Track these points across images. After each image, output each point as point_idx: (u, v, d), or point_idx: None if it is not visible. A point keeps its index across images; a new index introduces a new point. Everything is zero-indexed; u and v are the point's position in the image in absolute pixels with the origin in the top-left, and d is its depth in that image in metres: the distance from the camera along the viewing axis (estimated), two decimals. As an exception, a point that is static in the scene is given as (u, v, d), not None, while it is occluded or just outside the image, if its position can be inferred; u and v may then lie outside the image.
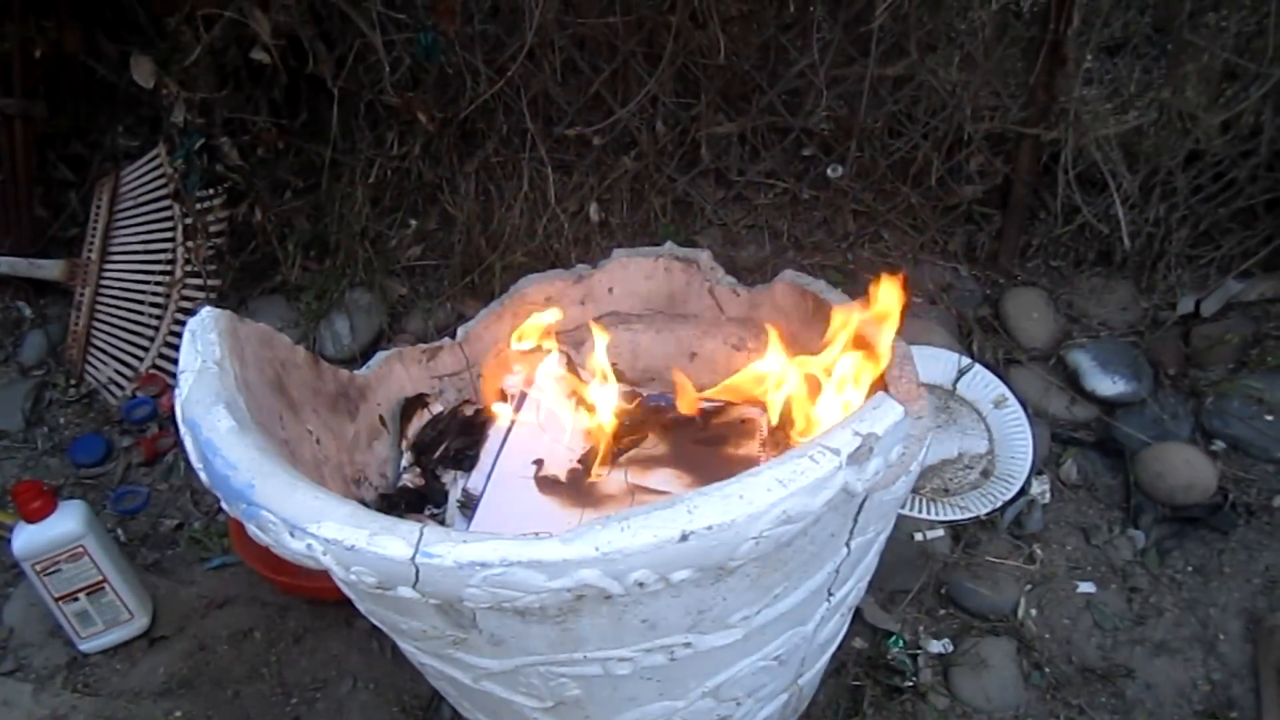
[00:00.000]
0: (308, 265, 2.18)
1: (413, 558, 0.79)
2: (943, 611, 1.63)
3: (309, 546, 0.83)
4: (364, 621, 1.59)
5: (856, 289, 1.99)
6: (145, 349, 2.09)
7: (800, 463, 0.81)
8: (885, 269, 2.02)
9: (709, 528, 0.78)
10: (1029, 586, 1.65)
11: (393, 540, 0.80)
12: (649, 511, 0.78)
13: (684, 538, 0.78)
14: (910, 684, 1.51)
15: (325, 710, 1.52)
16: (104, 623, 1.59)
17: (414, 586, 0.81)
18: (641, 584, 0.80)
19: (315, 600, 1.65)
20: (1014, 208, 2.02)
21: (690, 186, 2.11)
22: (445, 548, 0.78)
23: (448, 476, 1.38)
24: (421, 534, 0.80)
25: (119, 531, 1.82)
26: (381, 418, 1.38)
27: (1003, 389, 1.85)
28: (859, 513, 0.97)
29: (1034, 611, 1.62)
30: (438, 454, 1.40)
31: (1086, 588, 1.65)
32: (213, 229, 2.08)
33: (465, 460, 1.38)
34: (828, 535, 0.96)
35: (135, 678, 1.57)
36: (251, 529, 0.88)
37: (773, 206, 2.13)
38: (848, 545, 1.01)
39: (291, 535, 0.84)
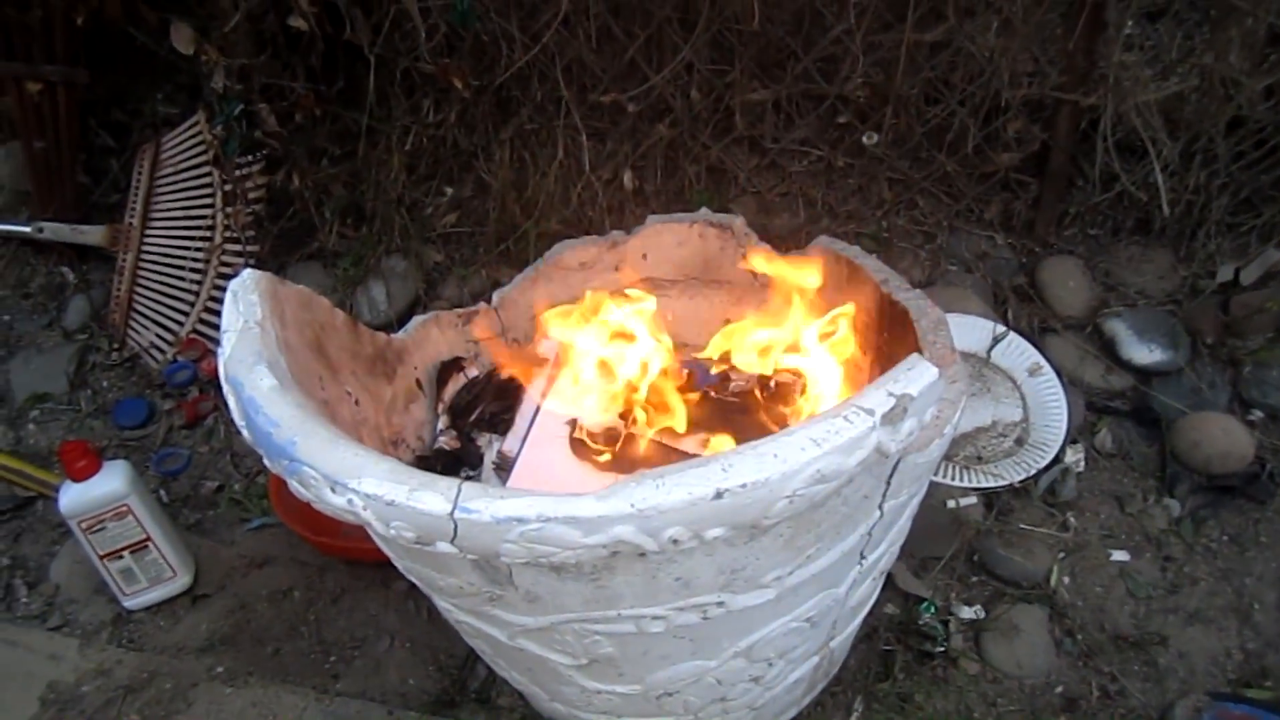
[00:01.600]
0: (344, 232, 2.19)
1: (451, 513, 0.80)
2: (975, 578, 1.63)
3: (350, 501, 0.84)
4: (401, 582, 1.64)
5: (892, 257, 2.02)
6: (186, 314, 2.12)
7: (835, 422, 0.82)
8: (922, 236, 2.04)
9: (743, 485, 0.78)
10: (1062, 554, 1.65)
11: (432, 495, 0.81)
12: (684, 469, 0.79)
13: (718, 495, 0.78)
14: (941, 649, 1.52)
15: (363, 668, 1.54)
16: (147, 580, 1.62)
17: (452, 541, 0.82)
18: (675, 541, 0.81)
19: (353, 561, 1.68)
20: (1051, 175, 2.00)
21: (724, 154, 2.10)
22: (483, 503, 0.80)
23: (483, 439, 1.40)
24: (460, 489, 0.81)
25: (161, 493, 1.86)
26: (418, 381, 1.40)
27: (1038, 357, 1.84)
28: (892, 475, 0.97)
29: (1067, 579, 1.62)
30: (473, 417, 1.41)
31: (1120, 556, 1.65)
32: (251, 195, 2.10)
33: (500, 424, 1.39)
34: (861, 497, 0.96)
35: (178, 634, 1.61)
36: (293, 484, 0.90)
37: (807, 174, 2.11)
38: (880, 508, 1.02)
39: (333, 490, 0.85)
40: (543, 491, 0.80)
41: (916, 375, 0.86)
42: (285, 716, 1.42)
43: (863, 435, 0.82)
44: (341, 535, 1.59)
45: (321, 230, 2.17)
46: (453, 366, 1.45)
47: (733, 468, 0.79)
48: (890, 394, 0.84)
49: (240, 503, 1.83)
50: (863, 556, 1.09)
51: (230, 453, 1.93)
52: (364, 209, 2.18)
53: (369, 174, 2.15)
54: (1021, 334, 1.88)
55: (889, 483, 0.98)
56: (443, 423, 1.41)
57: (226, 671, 1.52)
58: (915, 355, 0.88)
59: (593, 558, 0.82)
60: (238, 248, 2.12)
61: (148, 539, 1.59)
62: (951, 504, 1.67)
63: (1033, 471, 1.69)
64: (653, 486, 0.78)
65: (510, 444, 1.32)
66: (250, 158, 2.10)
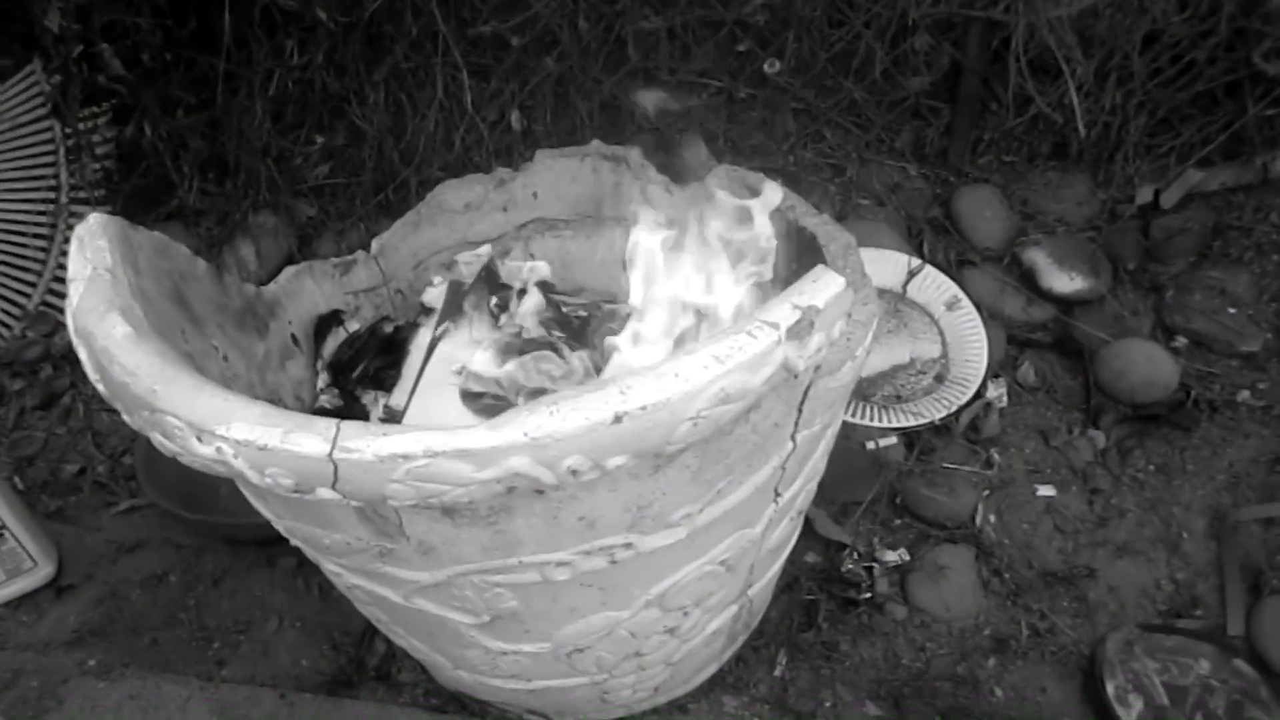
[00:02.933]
0: (206, 187, 2.16)
1: (330, 453, 0.79)
2: (898, 521, 1.67)
3: (219, 450, 0.83)
4: (288, 559, 1.64)
5: (800, 192, 2.03)
6: (33, 284, 2.06)
7: (737, 338, 0.83)
8: (830, 169, 2.07)
9: (643, 408, 0.79)
10: (987, 492, 1.70)
11: (308, 437, 0.80)
12: (580, 394, 0.80)
13: (617, 419, 0.79)
14: (866, 596, 1.56)
15: (250, 652, 1.53)
16: (5, 573, 1.58)
17: (333, 486, 0.82)
18: (575, 471, 0.81)
19: (233, 540, 1.66)
20: (964, 100, 2.03)
21: (618, 88, 2.10)
22: (364, 441, 0.79)
23: (368, 397, 1.38)
24: (339, 428, 0.80)
25: (16, 479, 1.81)
26: (294, 336, 1.37)
27: (955, 291, 1.88)
28: (803, 401, 0.99)
29: (992, 518, 1.67)
30: (356, 373, 1.39)
31: (1046, 491, 1.70)
32: (99, 150, 2.05)
33: (386, 379, 1.38)
34: (771, 425, 0.98)
35: (43, 628, 1.58)
36: (156, 438, 0.88)
37: (707, 107, 2.13)
38: (793, 438, 1.03)
39: (199, 440, 0.84)
40: (429, 425, 0.80)
41: (822, 286, 0.88)
42: (168, 708, 1.40)
43: (768, 350, 0.83)
44: (219, 511, 1.58)
45: (180, 186, 2.12)
46: (331, 320, 1.42)
47: (631, 390, 0.79)
48: (795, 306, 0.85)
49: (105, 485, 1.80)
50: (777, 493, 1.11)
51: (91, 432, 1.88)
52: (227, 161, 2.15)
53: (230, 123, 2.11)
54: (938, 267, 1.92)
55: (800, 410, 1.00)
56: (323, 380, 1.39)
57: (99, 665, 1.50)
58: (820, 266, 0.89)
59: (487, 495, 0.82)
60: (86, 208, 2.05)
61: (2, 528, 1.55)
62: (871, 445, 1.70)
63: (954, 408, 1.73)
64: (547, 413, 0.79)
65: (397, 398, 1.31)
66: (95, 108, 2.03)
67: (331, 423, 0.81)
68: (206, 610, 1.60)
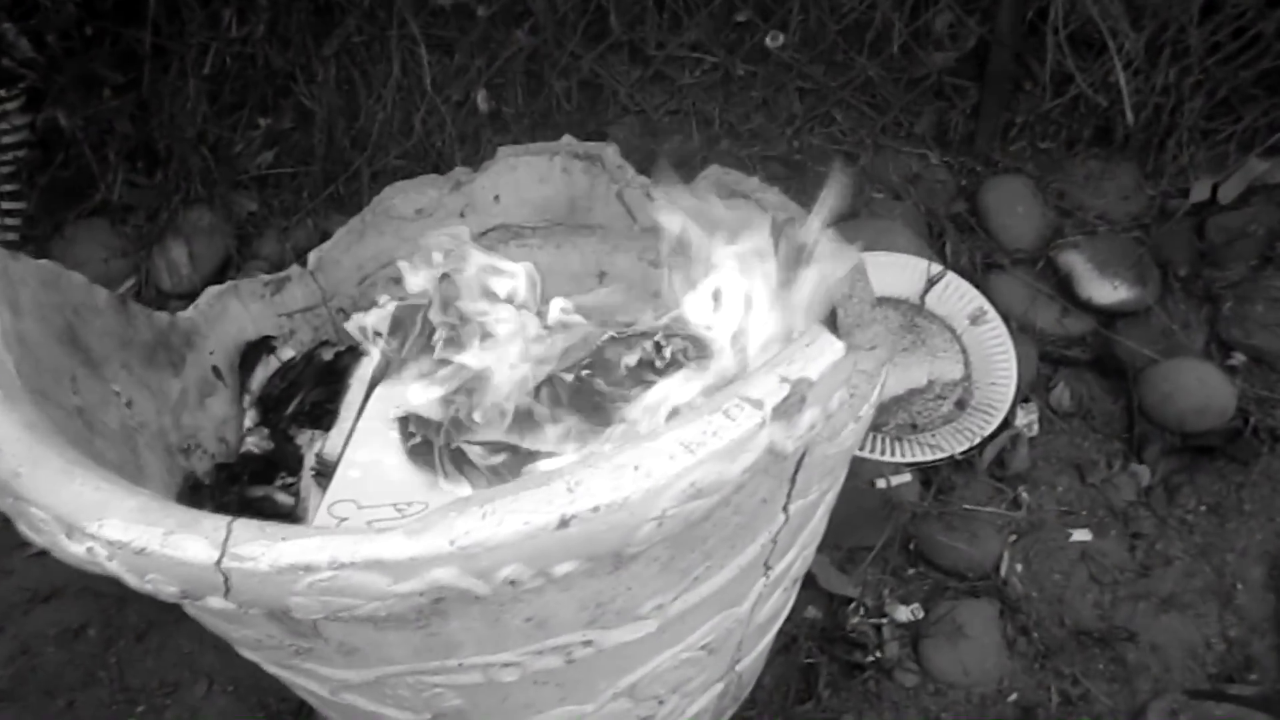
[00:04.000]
0: (134, 179, 2.11)
1: (219, 561, 0.73)
2: (911, 571, 1.63)
3: (90, 551, 0.77)
4: (217, 615, 1.59)
5: (804, 184, 1.98)
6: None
7: (711, 420, 0.76)
8: (841, 157, 2.02)
9: (595, 509, 0.73)
10: (1014, 537, 1.65)
11: (193, 540, 0.74)
12: (517, 491, 0.73)
13: (564, 523, 0.73)
14: (873, 659, 1.52)
15: (176, 718, 1.51)
16: (-105, 628, 1.54)
17: (225, 596, 0.76)
18: (514, 582, 0.75)
19: (157, 591, 1.61)
20: (993, 78, 1.98)
21: (599, 65, 2.06)
22: (258, 548, 0.73)
23: (303, 437, 1.33)
24: (229, 531, 0.74)
25: (-90, 519, 1.76)
26: (216, 369, 1.32)
27: (981, 301, 1.83)
28: (797, 472, 0.93)
29: (1019, 567, 1.63)
30: (290, 409, 1.34)
31: (1081, 536, 1.66)
32: (8, 139, 2.00)
33: (324, 416, 1.33)
34: (757, 502, 0.92)
35: (-58, 692, 1.55)
36: (22, 529, 0.83)
37: (700, 87, 2.09)
38: (785, 510, 0.97)
39: (69, 537, 0.78)
40: (336, 529, 0.73)
41: (816, 352, 0.81)
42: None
43: (748, 435, 0.77)
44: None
45: (104, 179, 2.07)
46: (260, 348, 1.37)
47: (580, 486, 0.73)
48: (784, 379, 0.79)
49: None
50: (768, 567, 1.05)
51: (-2, 461, 1.83)
52: (156, 150, 2.10)
53: (160, 106, 2.06)
54: (962, 273, 1.87)
55: (793, 482, 0.94)
56: (250, 418, 1.34)
57: (7, 734, 1.47)
58: (816, 326, 0.83)
59: (410, 607, 0.76)
60: (-4, 205, 2.00)
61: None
62: (881, 483, 1.66)
63: (977, 440, 1.68)
64: (477, 516, 0.72)
65: (333, 444, 1.26)
66: (3, 93, 1.98)
67: (221, 522, 0.75)
68: (129, 669, 1.57)
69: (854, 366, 0.86)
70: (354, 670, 0.94)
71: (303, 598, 0.74)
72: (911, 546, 1.63)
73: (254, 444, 1.32)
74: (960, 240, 1.95)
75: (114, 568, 0.78)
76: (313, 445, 1.31)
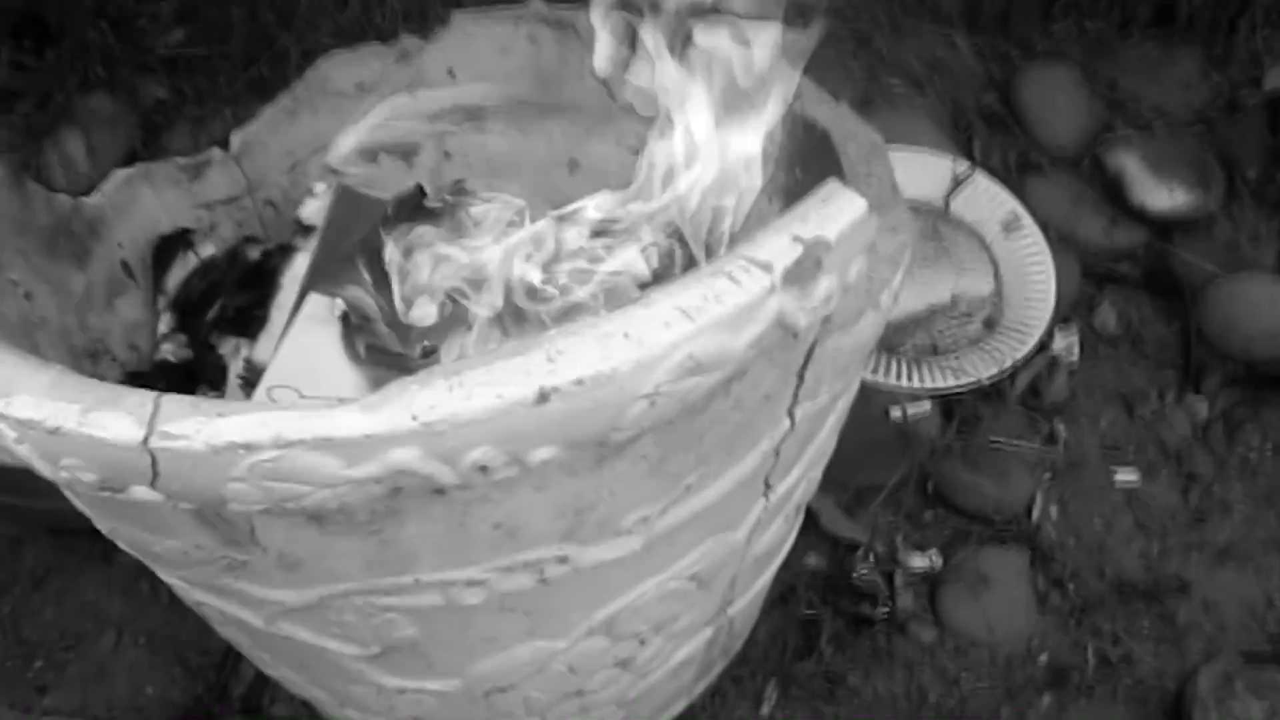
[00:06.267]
0: (21, 59, 2.10)
1: (145, 440, 0.75)
2: (929, 514, 1.66)
3: (-4, 433, 0.79)
4: (128, 556, 1.57)
5: (812, 69, 1.99)
6: None
7: (713, 283, 0.78)
8: (852, 39, 2.02)
9: (579, 381, 0.75)
10: (1048, 477, 1.68)
11: (115, 417, 0.76)
12: (491, 360, 0.75)
13: (543, 397, 0.74)
14: (884, 611, 1.55)
15: (80, 674, 1.53)
16: None
17: (152, 484, 0.77)
18: (484, 468, 0.77)
19: (60, 530, 1.64)
20: (1032, -54, 1.99)
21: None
22: (193, 424, 0.75)
23: (227, 345, 1.35)
24: (157, 406, 0.76)
25: None
26: (125, 264, 1.34)
27: (1015, 206, 1.85)
28: (806, 365, 0.95)
29: (1054, 511, 1.66)
30: (211, 314, 1.36)
31: (1127, 477, 1.69)
32: (-127, 7, 1.99)
33: (251, 322, 1.34)
34: (760, 398, 0.94)
35: None
36: (-86, 414, 0.84)
37: (684, -46, 2.08)
38: (790, 415, 1.00)
39: (-31, 419, 0.80)
40: (280, 404, 0.75)
41: (835, 211, 0.83)
42: (-29, 748, 1.40)
43: (756, 301, 0.79)
44: (41, 493, 1.53)
45: (-14, 58, 2.07)
46: (177, 243, 1.39)
47: (563, 355, 0.75)
48: (796, 238, 0.80)
49: (-106, 459, 1.76)
50: (768, 486, 1.07)
51: None
52: (48, 24, 2.09)
53: (52, -30, 2.05)
54: (993, 173, 1.89)
55: (801, 377, 0.96)
56: (166, 323, 1.35)
57: (-116, 694, 1.49)
58: (833, 182, 0.85)
59: (364, 498, 0.78)
60: None
61: None
62: (896, 413, 1.68)
63: (1008, 365, 1.70)
64: (444, 389, 0.74)
65: (263, 348, 1.27)
66: None
67: (148, 397, 0.77)
68: (25, 620, 1.59)
69: (875, 228, 0.88)
70: (294, 590, 0.95)
71: (242, 484, 0.76)
72: (929, 486, 1.66)
73: (170, 352, 1.34)
74: (991, 137, 1.97)
75: (23, 452, 0.79)
76: (237, 354, 1.33)
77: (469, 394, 0.74)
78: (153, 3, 2.10)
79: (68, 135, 2.03)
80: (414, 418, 0.74)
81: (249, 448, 0.75)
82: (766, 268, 0.79)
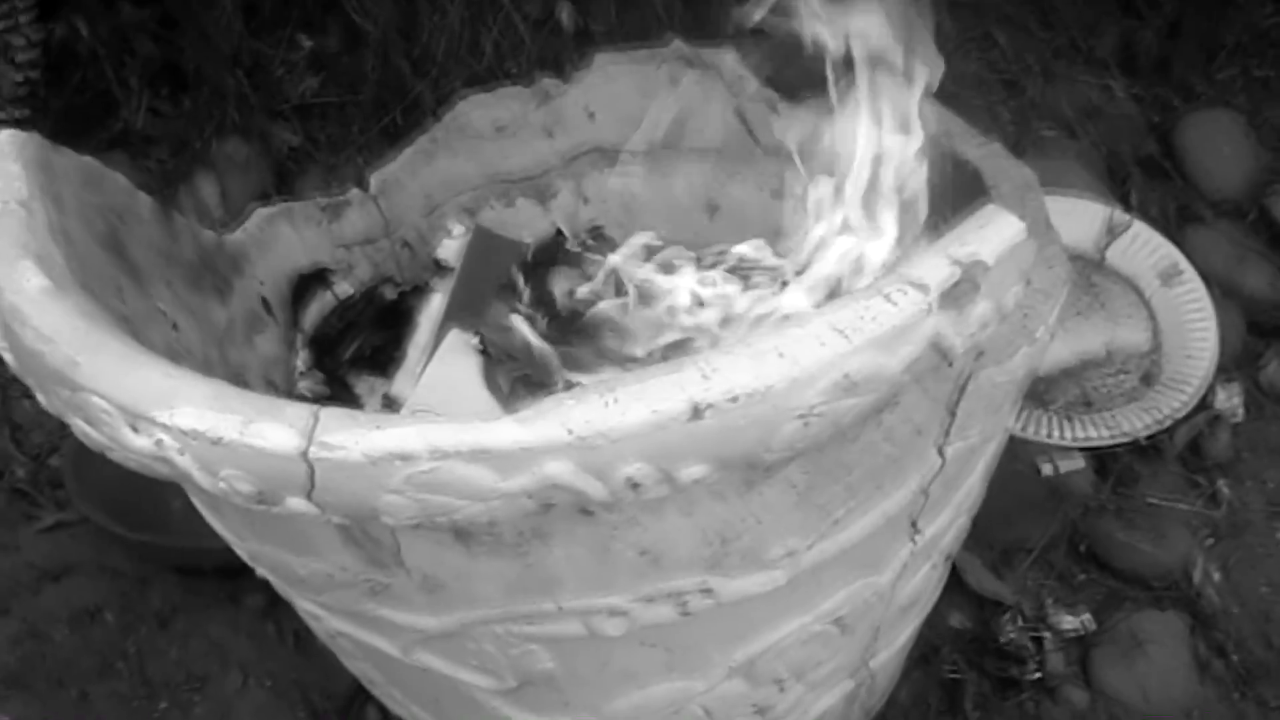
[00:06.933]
0: (158, 106, 2.19)
1: (305, 451, 0.79)
2: (1081, 575, 1.65)
3: (159, 443, 0.83)
4: (255, 597, 1.66)
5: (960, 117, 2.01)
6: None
7: (869, 303, 0.81)
8: (1003, 86, 2.03)
9: (733, 398, 0.78)
10: (1210, 539, 1.66)
11: (276, 427, 0.80)
12: (646, 377, 0.79)
13: (696, 413, 0.78)
14: (1034, 675, 1.53)
15: (205, 715, 1.56)
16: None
17: (308, 496, 0.82)
18: (635, 484, 0.80)
19: (187, 569, 1.69)
20: (1196, -12, 2.00)
21: (710, -27, 2.09)
22: (351, 435, 0.79)
23: (362, 384, 1.40)
24: (317, 418, 0.80)
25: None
26: (265, 301, 1.39)
27: (1175, 256, 1.84)
28: (959, 399, 0.98)
29: (1216, 575, 1.63)
30: (348, 353, 1.41)
31: (1296, 539, 1.66)
32: (20, 56, 2.07)
33: (386, 361, 1.40)
34: (911, 430, 0.96)
35: (-55, 674, 1.62)
36: (79, 426, 0.89)
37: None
38: (941, 451, 1.02)
39: (134, 429, 0.84)
40: (437, 416, 0.79)
41: (992, 233, 0.85)
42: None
43: (912, 322, 0.81)
44: (170, 530, 1.61)
45: (125, 104, 2.16)
46: (315, 281, 1.44)
47: (717, 372, 0.78)
48: (953, 260, 0.83)
49: (26, 494, 1.84)
50: (916, 528, 1.09)
51: (9, 425, 1.92)
52: (185, 73, 2.17)
53: (190, 21, 2.13)
54: (1152, 223, 1.88)
55: (953, 411, 0.98)
56: (303, 360, 1.41)
57: (16, 723, 1.53)
58: (990, 205, 0.87)
59: (515, 513, 0.82)
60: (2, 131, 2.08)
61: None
62: (1048, 469, 1.68)
63: (1166, 421, 1.70)
64: (599, 403, 0.78)
65: (400, 385, 1.32)
66: (16, 2, 2.06)
67: (307, 410, 0.81)
68: (151, 659, 1.62)
69: (1033, 255, 0.90)
70: (435, 615, 0.99)
71: (396, 496, 0.80)
72: (1082, 547, 1.65)
73: (307, 389, 1.38)
74: (1150, 186, 1.96)
75: (184, 463, 0.83)
76: (373, 393, 1.38)
77: (624, 409, 0.78)
78: (288, 51, 2.17)
79: (203, 180, 2.09)
80: (569, 431, 0.78)
81: (405, 458, 0.79)
82: (923, 288, 0.82)
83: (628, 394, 0.78)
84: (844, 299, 0.82)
